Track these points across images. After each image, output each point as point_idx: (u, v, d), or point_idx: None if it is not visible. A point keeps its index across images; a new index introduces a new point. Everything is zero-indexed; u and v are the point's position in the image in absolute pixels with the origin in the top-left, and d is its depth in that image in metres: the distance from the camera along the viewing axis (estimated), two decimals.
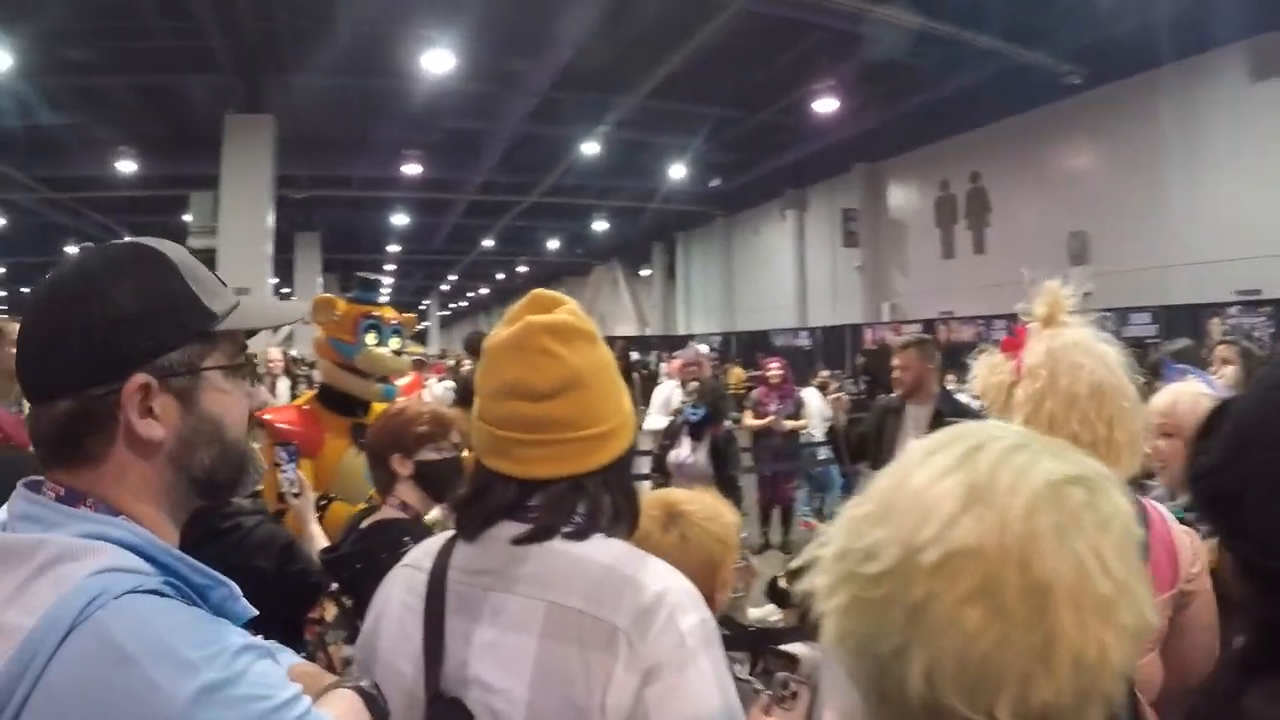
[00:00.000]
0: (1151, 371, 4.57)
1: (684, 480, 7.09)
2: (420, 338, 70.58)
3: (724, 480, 7.12)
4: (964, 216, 23.10)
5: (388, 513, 3.00)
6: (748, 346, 30.05)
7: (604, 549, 1.63)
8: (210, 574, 1.35)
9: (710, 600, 2.13)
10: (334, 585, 2.84)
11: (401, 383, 5.00)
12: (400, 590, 1.77)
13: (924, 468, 1.05)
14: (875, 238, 26.08)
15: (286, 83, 19.92)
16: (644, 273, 45.11)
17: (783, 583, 4.28)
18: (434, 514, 3.23)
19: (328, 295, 4.49)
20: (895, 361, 6.43)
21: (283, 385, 10.99)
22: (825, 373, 13.60)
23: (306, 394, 4.60)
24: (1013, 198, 21.52)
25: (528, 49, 17.54)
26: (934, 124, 21.95)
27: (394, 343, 4.41)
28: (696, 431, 7.32)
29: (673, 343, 34.98)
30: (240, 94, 20.13)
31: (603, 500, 1.69)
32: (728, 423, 10.36)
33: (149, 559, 1.26)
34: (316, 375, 19.47)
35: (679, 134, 25.10)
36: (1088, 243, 19.31)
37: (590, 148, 23.79)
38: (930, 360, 6.33)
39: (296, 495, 3.62)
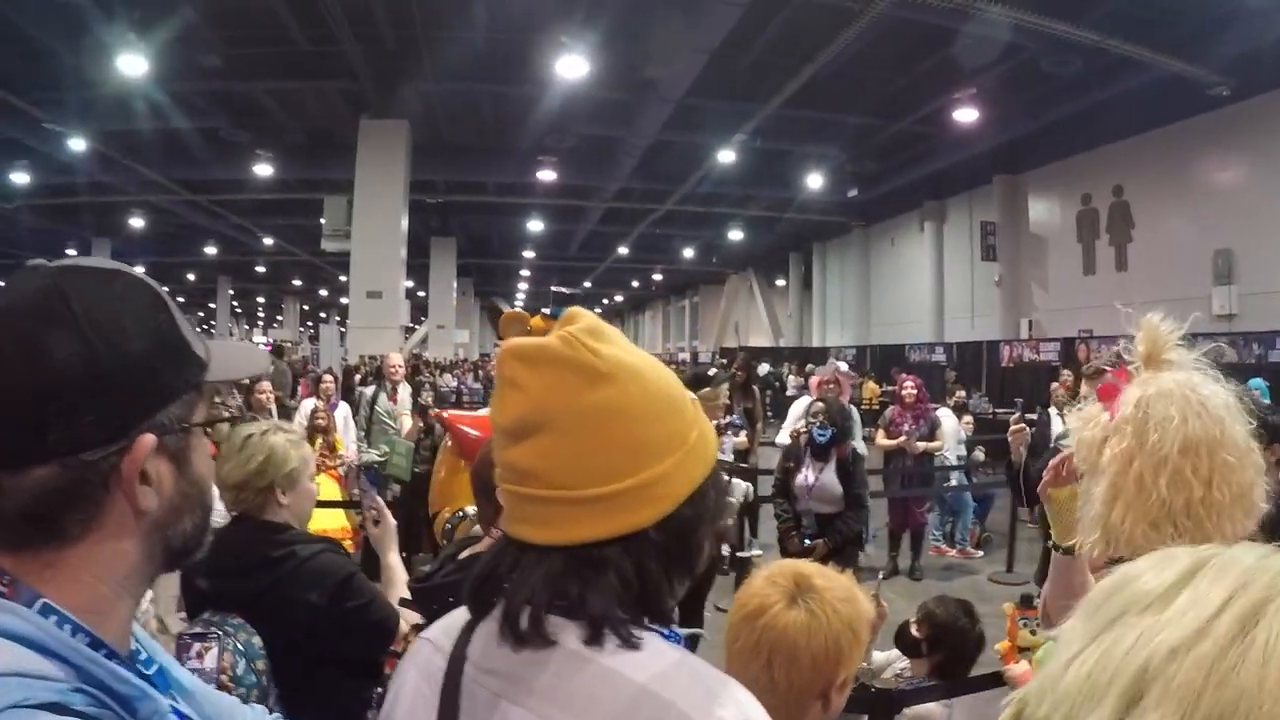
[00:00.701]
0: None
1: (814, 502, 6.96)
2: None
3: (852, 499, 7.01)
4: (1106, 231, 22.32)
5: (489, 545, 2.69)
6: (882, 360, 29.61)
7: (642, 661, 1.24)
8: (139, 685, 1.08)
9: (825, 700, 1.92)
10: (419, 619, 2.60)
11: None
12: (417, 672, 1.43)
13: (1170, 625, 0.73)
14: (1014, 252, 25.40)
15: (421, 88, 20.13)
16: (779, 283, 44.91)
17: (915, 630, 4.08)
18: None
19: (518, 311, 4.15)
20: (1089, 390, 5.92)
21: (404, 391, 10.77)
22: (961, 393, 13.17)
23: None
24: (1157, 213, 20.71)
25: (664, 56, 17.39)
26: (1077, 135, 21.29)
27: None
28: (821, 453, 7.07)
29: (806, 355, 34.80)
30: (375, 99, 20.38)
31: (597, 592, 1.28)
32: (858, 443, 10.17)
33: (62, 661, 1.00)
34: (445, 382, 19.60)
35: (816, 142, 24.76)
36: (1234, 261, 18.48)
37: (726, 156, 23.54)
38: None
39: (376, 523, 3.41)
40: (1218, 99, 17.32)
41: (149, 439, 1.07)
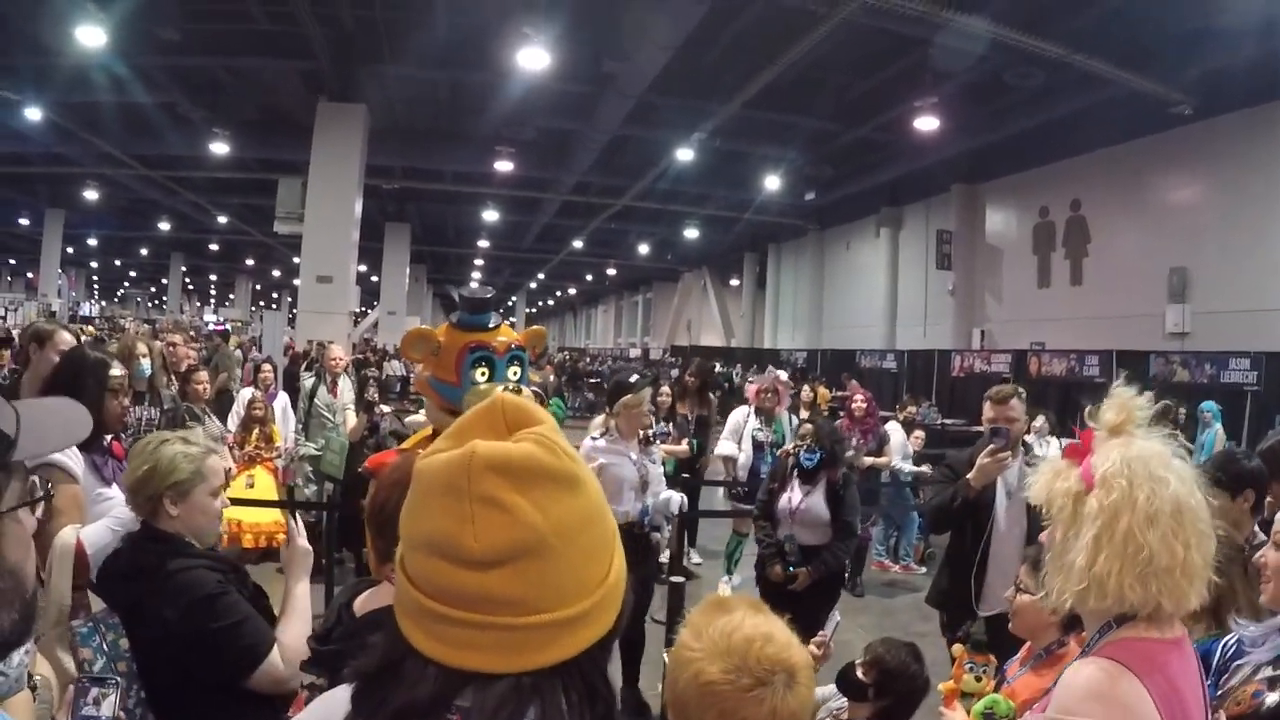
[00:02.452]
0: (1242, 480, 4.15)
1: (798, 527, 6.47)
2: None
3: (840, 527, 6.49)
4: (1062, 245, 22.44)
5: (382, 596, 2.37)
6: (834, 365, 29.59)
7: None
8: None
9: None
10: (315, 680, 2.37)
11: None
12: None
13: None
14: (970, 261, 25.52)
15: (381, 73, 19.93)
16: (733, 282, 45.02)
17: (861, 673, 3.95)
18: None
19: (422, 329, 3.69)
20: (995, 413, 5.55)
21: (344, 384, 10.44)
22: (912, 408, 13.09)
23: (425, 431, 3.86)
24: (1114, 228, 20.80)
25: (626, 51, 17.28)
26: (1037, 148, 21.42)
27: (511, 374, 3.58)
28: (808, 476, 6.57)
29: (758, 356, 34.79)
30: (333, 82, 20.20)
31: (562, 714, 1.18)
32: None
33: None
34: (392, 369, 19.40)
35: (775, 145, 24.81)
36: (1189, 280, 18.60)
37: (685, 154, 23.45)
38: (1024, 411, 5.70)
39: (287, 544, 3.25)
40: (1180, 117, 17.43)
41: None
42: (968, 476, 5.44)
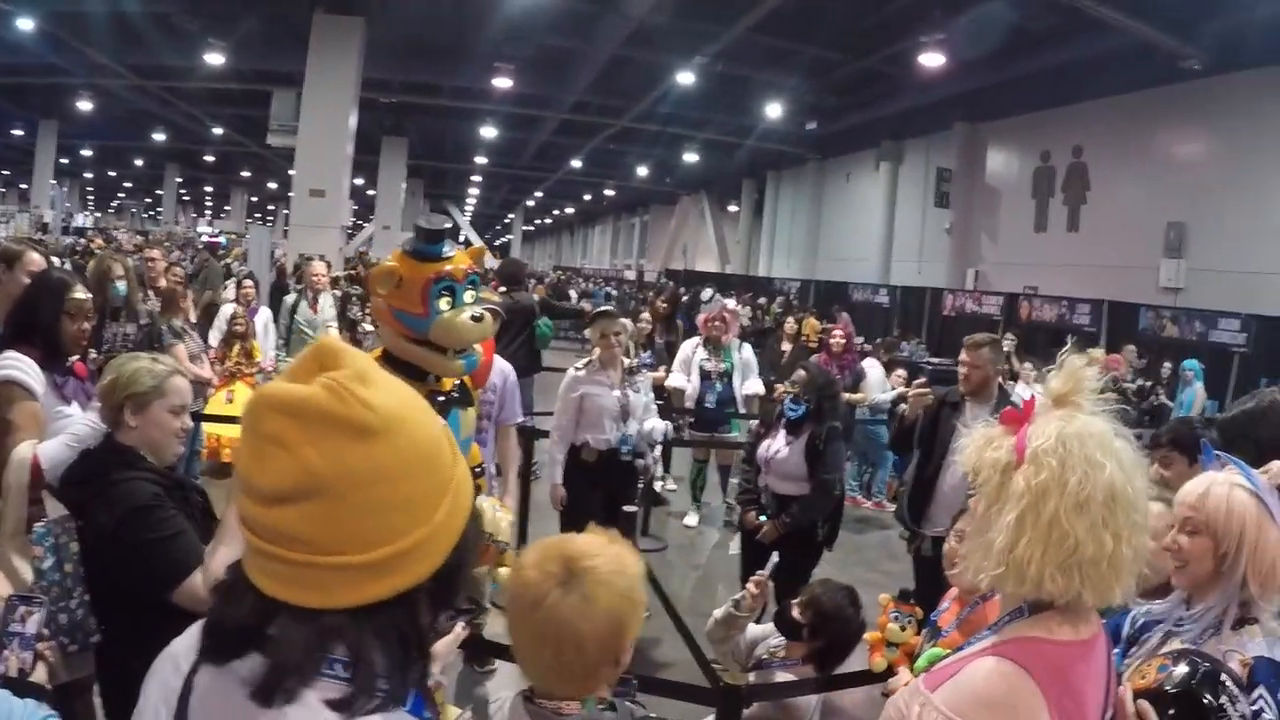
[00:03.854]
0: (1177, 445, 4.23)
1: (773, 477, 6.28)
2: (504, 250, 71.18)
3: (816, 484, 6.17)
4: (1061, 190, 22.34)
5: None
6: (826, 296, 29.49)
7: None
8: None
9: (616, 661, 1.93)
10: None
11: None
12: (158, 692, 1.34)
13: None
14: (968, 201, 25.38)
15: None
16: (731, 208, 44.78)
17: (797, 613, 3.95)
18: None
19: (387, 265, 3.66)
20: (964, 358, 6.21)
21: (325, 301, 10.35)
22: (903, 343, 12.99)
23: (375, 352, 3.87)
24: (1114, 178, 20.71)
25: None
26: (1042, 91, 21.21)
27: (468, 297, 3.61)
28: (793, 427, 6.30)
29: (752, 283, 34.67)
30: None
31: (369, 653, 1.21)
32: (753, 384, 9.96)
33: None
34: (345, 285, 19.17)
35: (778, 71, 24.55)
36: (1186, 235, 18.55)
37: (686, 77, 23.21)
38: (999, 362, 6.29)
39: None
40: (1187, 71, 17.25)
41: None
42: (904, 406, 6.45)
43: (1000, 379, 6.35)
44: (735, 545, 7.53)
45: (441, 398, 3.67)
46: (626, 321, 7.00)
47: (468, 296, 3.60)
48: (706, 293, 12.88)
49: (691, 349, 9.93)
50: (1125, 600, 1.98)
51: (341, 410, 1.17)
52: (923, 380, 6.18)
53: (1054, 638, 1.86)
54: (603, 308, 6.87)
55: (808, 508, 6.14)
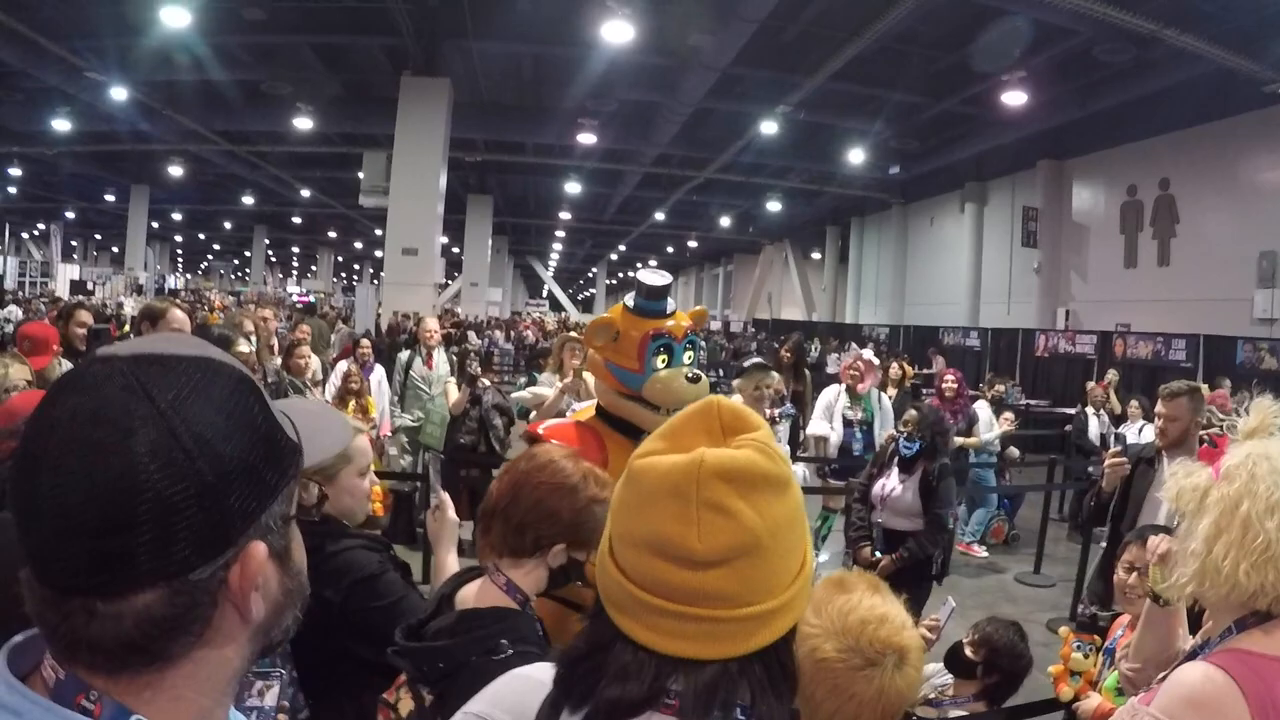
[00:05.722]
0: None
1: (887, 513, 6.50)
2: (587, 305, 71.56)
3: (930, 519, 6.37)
4: (1150, 224, 21.90)
5: (488, 594, 2.40)
6: (915, 342, 29.33)
7: None
8: None
9: None
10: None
11: None
12: None
13: None
14: (1055, 239, 25.05)
15: (464, 47, 20.09)
16: (814, 256, 44.73)
17: (970, 652, 4.03)
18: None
19: (604, 318, 3.71)
20: (1160, 409, 5.87)
21: (439, 357, 10.52)
22: (1000, 387, 12.85)
23: (589, 407, 3.91)
24: (1203, 209, 20.28)
25: (710, 23, 17.23)
26: (1125, 124, 20.96)
27: (687, 358, 3.61)
28: (906, 464, 6.53)
29: (839, 330, 34.54)
30: (417, 56, 20.40)
31: (767, 691, 1.28)
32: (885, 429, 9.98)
33: None
34: (472, 343, 19.41)
35: (860, 117, 24.58)
36: (1279, 264, 18.15)
37: (769, 127, 23.24)
38: (1199, 412, 5.82)
39: (434, 514, 3.16)
40: (1272, 96, 16.93)
41: (260, 549, 0.96)
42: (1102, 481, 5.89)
43: (1199, 429, 5.81)
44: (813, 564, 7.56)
45: None
46: (776, 374, 7.10)
47: (686, 357, 3.61)
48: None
49: (834, 396, 9.97)
50: None
51: (774, 470, 1.26)
52: (1118, 450, 5.97)
53: (1261, 651, 1.96)
54: (755, 360, 6.94)
55: (924, 542, 6.26)
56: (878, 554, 6.38)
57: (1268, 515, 1.98)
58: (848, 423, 9.76)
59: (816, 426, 9.77)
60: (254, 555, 0.95)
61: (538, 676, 1.43)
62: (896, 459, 6.57)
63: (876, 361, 10.39)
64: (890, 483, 6.51)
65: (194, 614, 0.92)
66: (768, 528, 1.24)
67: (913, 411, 6.79)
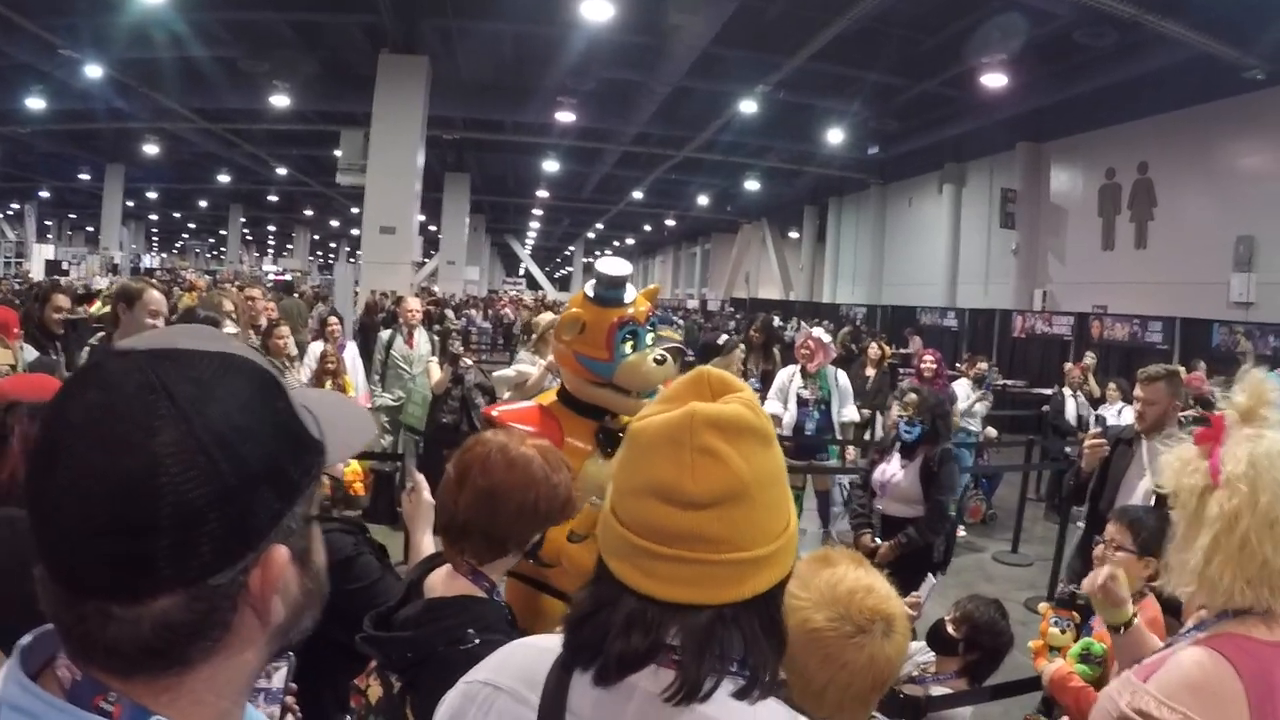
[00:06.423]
0: None
1: (887, 500, 6.50)
2: (564, 284, 71.50)
3: (931, 506, 6.35)
4: (1128, 207, 21.99)
5: (454, 583, 2.43)
6: (893, 321, 29.46)
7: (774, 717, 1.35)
8: None
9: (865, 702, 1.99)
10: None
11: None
12: None
13: None
14: (1033, 221, 25.10)
15: (443, 25, 20.03)
16: (792, 235, 44.73)
17: (951, 629, 4.08)
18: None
19: (574, 312, 3.77)
20: (1139, 393, 5.84)
21: (420, 336, 10.46)
22: (982, 365, 12.86)
23: (551, 392, 4.03)
24: (1180, 193, 20.41)
25: (691, 2, 17.17)
26: (1105, 108, 21.07)
27: (650, 340, 3.75)
28: (908, 450, 6.50)
29: (816, 310, 34.59)
30: (396, 34, 20.29)
31: (759, 642, 1.34)
32: (848, 411, 10.04)
33: None
34: (452, 320, 19.40)
35: (839, 98, 24.60)
36: (1255, 248, 18.24)
37: (748, 106, 23.28)
38: (1177, 396, 5.88)
39: (410, 495, 3.15)
40: (1251, 82, 17.02)
41: (282, 553, 0.94)
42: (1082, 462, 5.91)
43: (1177, 413, 5.92)
44: None
45: (621, 434, 3.76)
46: (738, 352, 7.08)
47: (649, 339, 3.74)
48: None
49: (788, 377, 10.01)
50: None
51: (759, 423, 1.36)
52: (1098, 431, 6.01)
53: (1258, 637, 2.00)
54: (722, 339, 6.97)
55: (924, 529, 6.26)
56: (877, 540, 6.38)
57: (1267, 531, 1.99)
58: (803, 402, 9.79)
59: (769, 406, 9.79)
60: (275, 559, 0.94)
61: (542, 644, 1.50)
62: (898, 444, 6.56)
63: (828, 339, 10.39)
64: (891, 468, 6.50)
65: (213, 619, 0.91)
66: (755, 476, 1.33)
67: (913, 395, 6.78)
